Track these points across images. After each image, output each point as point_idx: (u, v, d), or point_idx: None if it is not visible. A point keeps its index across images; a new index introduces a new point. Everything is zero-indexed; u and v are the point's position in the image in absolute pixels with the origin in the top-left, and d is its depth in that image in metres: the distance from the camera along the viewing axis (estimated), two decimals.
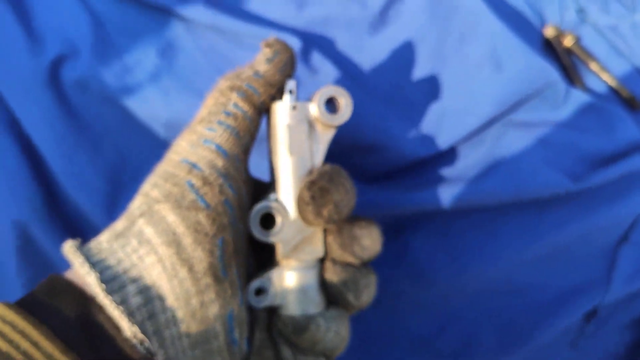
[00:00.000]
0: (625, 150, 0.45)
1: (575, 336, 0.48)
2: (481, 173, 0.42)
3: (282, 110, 0.29)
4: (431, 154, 0.42)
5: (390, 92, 0.43)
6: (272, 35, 0.41)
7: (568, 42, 0.46)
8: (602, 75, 0.47)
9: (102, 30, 0.42)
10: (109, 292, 0.23)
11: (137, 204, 0.27)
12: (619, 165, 0.43)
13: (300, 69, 0.41)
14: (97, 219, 0.41)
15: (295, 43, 0.41)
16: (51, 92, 0.40)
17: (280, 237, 0.29)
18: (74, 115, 0.41)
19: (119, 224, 0.26)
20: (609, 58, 0.48)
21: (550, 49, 0.47)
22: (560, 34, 0.47)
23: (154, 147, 0.41)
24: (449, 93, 0.42)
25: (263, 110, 0.30)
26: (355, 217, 0.31)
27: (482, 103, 0.42)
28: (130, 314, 0.24)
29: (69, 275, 0.25)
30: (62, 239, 0.41)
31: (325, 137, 0.30)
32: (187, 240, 0.25)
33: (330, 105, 0.30)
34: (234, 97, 0.29)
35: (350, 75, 0.41)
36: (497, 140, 0.43)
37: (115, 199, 0.41)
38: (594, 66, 0.47)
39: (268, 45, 0.31)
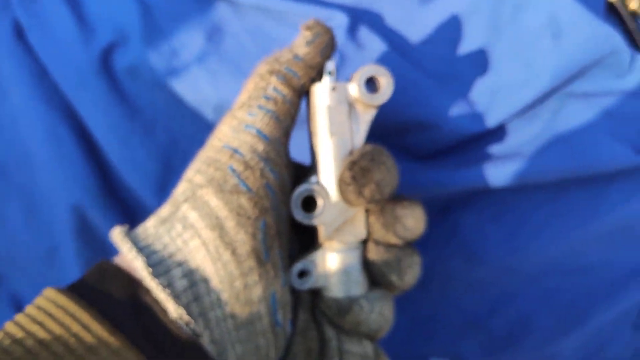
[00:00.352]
0: None
1: (637, 318, 0.46)
2: (539, 149, 0.40)
3: (321, 92, 0.29)
4: (484, 130, 0.40)
5: (441, 67, 0.41)
6: (318, 12, 0.40)
7: (634, 4, 0.43)
8: None
9: (150, 17, 0.42)
10: (156, 275, 0.24)
11: (181, 189, 0.27)
12: None
13: (347, 45, 0.40)
14: (150, 201, 0.42)
15: (342, 19, 0.40)
16: (104, 80, 0.41)
17: (322, 220, 0.29)
18: (126, 102, 0.42)
19: (164, 210, 0.27)
20: None
21: (614, 13, 0.44)
22: None
23: (204, 130, 0.41)
24: (504, 66, 0.40)
25: (303, 93, 0.30)
26: (399, 196, 0.31)
27: (540, 75, 0.40)
28: (176, 297, 0.24)
29: (118, 260, 0.26)
30: (118, 221, 0.43)
31: (366, 117, 0.30)
32: (230, 223, 0.26)
33: (371, 84, 0.30)
34: (274, 80, 0.29)
35: (399, 50, 0.40)
36: (556, 113, 0.41)
37: (167, 181, 0.42)
38: None
39: (308, 27, 0.31)
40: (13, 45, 0.43)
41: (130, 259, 0.25)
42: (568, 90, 0.41)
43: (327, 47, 0.30)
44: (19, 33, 0.44)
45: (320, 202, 0.29)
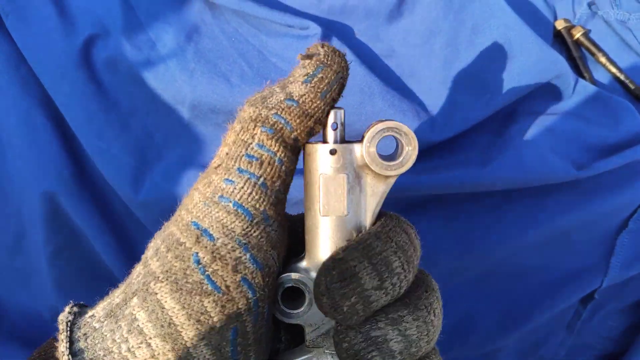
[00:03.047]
0: (629, 141, 0.46)
1: (572, 319, 0.51)
2: (489, 159, 0.44)
3: (317, 155, 0.23)
4: (441, 139, 0.44)
5: (404, 80, 0.44)
6: (294, 21, 0.43)
7: (577, 34, 0.48)
8: (610, 68, 0.48)
9: (131, 12, 0.44)
10: None
11: (137, 271, 0.23)
12: (623, 155, 0.45)
13: None
14: (123, 191, 0.43)
15: (316, 29, 0.42)
16: (83, 72, 0.42)
17: (306, 320, 0.24)
18: (104, 94, 0.43)
19: (118, 294, 0.23)
20: (617, 51, 0.49)
21: (561, 42, 0.49)
22: (570, 27, 0.48)
23: (178, 126, 0.43)
24: (460, 82, 0.44)
25: (299, 148, 0.24)
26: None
27: (493, 93, 0.43)
28: None
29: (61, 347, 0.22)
30: (90, 209, 0.44)
31: (377, 188, 0.23)
32: (188, 333, 0.21)
33: (386, 144, 0.24)
34: (259, 133, 0.22)
35: (366, 62, 0.43)
36: (505, 128, 0.45)
37: (141, 173, 0.44)
38: (602, 59, 0.48)
39: (308, 55, 0.23)
40: None
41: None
42: (517, 108, 0.45)
43: (333, 87, 0.23)
44: None
45: (306, 297, 0.24)
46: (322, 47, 0.23)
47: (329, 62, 0.23)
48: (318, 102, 0.22)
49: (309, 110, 0.22)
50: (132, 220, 0.45)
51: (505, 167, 0.43)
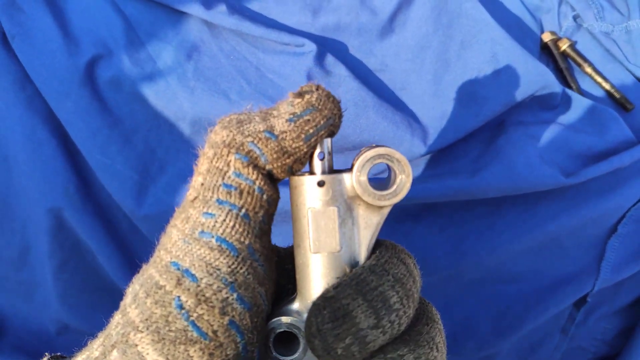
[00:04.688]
0: (615, 148, 0.48)
1: (566, 323, 0.52)
2: (479, 168, 0.45)
3: (304, 188, 0.21)
4: (433, 150, 0.45)
5: (396, 93, 0.46)
6: (289, 39, 0.44)
7: (564, 46, 0.50)
8: (595, 78, 0.50)
9: (133, 33, 0.45)
10: None
11: (115, 320, 0.21)
12: (609, 161, 0.46)
13: (315, 70, 0.44)
14: (126, 205, 0.45)
15: (311, 46, 0.44)
16: (87, 90, 0.44)
17: None
18: (107, 111, 0.44)
19: (96, 346, 0.21)
20: (603, 62, 0.51)
21: (548, 53, 0.50)
22: (557, 39, 0.50)
23: (180, 141, 0.45)
24: (451, 95, 0.45)
25: (278, 179, 0.22)
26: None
27: (482, 104, 0.45)
28: None
29: None
30: (94, 223, 0.45)
31: (371, 220, 0.22)
32: None
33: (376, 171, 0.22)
34: (233, 160, 0.20)
35: (360, 77, 0.45)
36: (495, 138, 0.46)
37: (143, 188, 0.45)
38: (588, 70, 0.50)
39: (300, 93, 0.21)
40: None
41: None
42: (506, 119, 0.47)
43: (320, 132, 0.21)
44: (4, 39, 0.46)
45: (300, 342, 0.22)
46: (317, 89, 0.21)
47: (320, 106, 0.21)
48: (300, 143, 0.21)
49: (289, 149, 0.21)
50: (135, 234, 0.46)
51: (495, 175, 0.45)
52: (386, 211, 0.22)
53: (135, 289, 0.21)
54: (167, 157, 0.45)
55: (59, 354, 0.23)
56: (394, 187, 0.21)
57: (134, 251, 0.47)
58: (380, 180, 0.23)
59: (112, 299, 0.48)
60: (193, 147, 0.45)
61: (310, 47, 0.44)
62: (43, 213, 0.45)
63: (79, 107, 0.44)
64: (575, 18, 0.51)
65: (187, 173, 0.45)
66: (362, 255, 0.22)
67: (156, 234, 0.44)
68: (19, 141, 0.45)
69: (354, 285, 0.20)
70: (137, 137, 0.45)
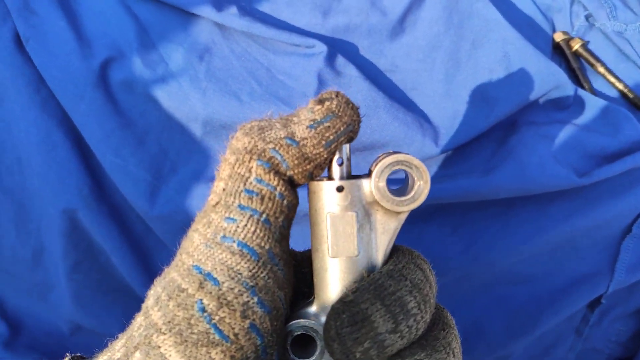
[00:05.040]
0: (629, 149, 0.47)
1: (580, 324, 0.51)
2: (492, 168, 0.45)
3: (322, 192, 0.22)
4: (445, 150, 0.45)
5: (407, 94, 0.46)
6: (300, 41, 0.44)
7: (576, 45, 0.49)
8: (608, 78, 0.49)
9: (145, 35, 0.46)
10: None
11: (138, 321, 0.21)
12: (623, 161, 0.46)
13: (326, 71, 0.45)
14: (139, 205, 0.45)
15: (322, 47, 0.44)
16: (100, 92, 0.44)
17: None
18: (120, 113, 0.45)
19: (119, 347, 0.21)
20: (616, 62, 0.50)
21: (560, 53, 0.50)
22: (569, 39, 0.50)
23: (192, 142, 0.45)
24: (462, 95, 0.45)
25: (298, 184, 0.23)
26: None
27: (494, 104, 0.45)
28: None
29: None
30: (108, 224, 0.46)
31: (389, 225, 0.22)
32: None
33: (395, 177, 0.23)
34: (255, 167, 0.21)
35: (370, 78, 0.45)
36: (507, 138, 0.46)
37: (156, 188, 0.45)
38: (601, 69, 0.49)
39: (320, 100, 0.22)
40: (12, 53, 0.46)
41: None
42: (518, 119, 0.46)
43: (340, 138, 0.21)
44: (19, 42, 0.46)
45: (317, 345, 0.22)
46: (337, 95, 0.22)
47: (340, 113, 0.21)
48: (320, 149, 0.21)
49: (309, 155, 0.21)
50: (148, 234, 0.47)
51: (508, 175, 0.45)
52: (404, 217, 0.22)
53: (157, 291, 0.21)
54: (179, 158, 0.45)
55: (79, 354, 0.23)
56: (412, 193, 0.22)
57: (147, 252, 0.47)
58: (398, 186, 0.23)
59: (125, 300, 0.49)
60: (205, 148, 0.45)
61: (321, 48, 0.44)
62: (57, 214, 0.46)
63: (92, 109, 0.44)
64: (587, 17, 0.51)
65: (199, 174, 0.45)
66: (380, 260, 0.22)
67: (169, 234, 0.45)
68: (33, 143, 0.46)
69: (373, 290, 0.20)
70: (149, 138, 0.45)
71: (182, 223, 0.26)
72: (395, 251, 0.23)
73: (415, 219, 0.47)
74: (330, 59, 0.44)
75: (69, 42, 0.46)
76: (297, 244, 0.27)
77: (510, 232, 0.46)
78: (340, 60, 0.45)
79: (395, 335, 0.20)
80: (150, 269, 0.46)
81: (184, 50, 0.46)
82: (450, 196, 0.45)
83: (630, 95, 0.49)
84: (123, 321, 0.23)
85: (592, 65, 0.50)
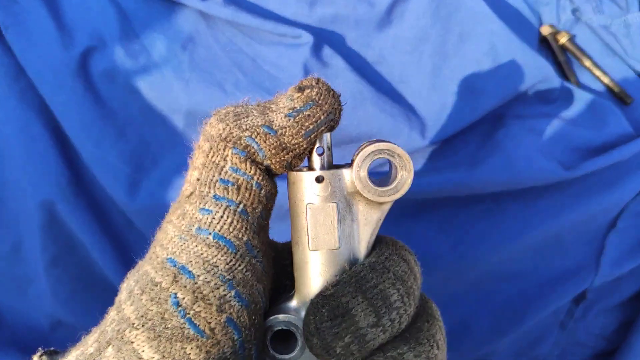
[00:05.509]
0: (614, 142, 0.47)
1: (564, 318, 0.51)
2: (478, 161, 0.45)
3: (302, 183, 0.21)
4: (431, 143, 0.45)
5: (394, 86, 0.46)
6: (286, 31, 0.44)
7: (563, 39, 0.49)
8: (595, 72, 0.49)
9: (127, 24, 0.45)
10: None
11: (110, 316, 0.20)
12: (609, 155, 0.46)
13: (312, 62, 0.44)
14: (119, 198, 0.44)
15: (308, 38, 0.44)
16: (81, 82, 0.43)
17: None
18: (101, 104, 0.44)
19: (91, 342, 0.20)
20: (602, 56, 0.50)
21: (547, 46, 0.50)
22: (555, 32, 0.50)
23: (173, 134, 0.44)
24: (449, 88, 0.45)
25: (274, 173, 0.22)
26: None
27: (480, 97, 0.45)
28: None
29: None
30: (87, 217, 0.45)
31: (371, 217, 0.21)
32: None
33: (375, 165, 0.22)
34: (230, 155, 0.20)
35: (357, 69, 0.44)
36: (493, 131, 0.46)
37: (137, 181, 0.44)
38: (587, 63, 0.49)
39: (300, 88, 0.21)
40: None
41: None
42: (504, 112, 0.46)
43: (320, 127, 0.20)
44: None
45: (297, 340, 0.22)
46: (317, 83, 0.21)
47: (320, 101, 0.20)
48: (300, 139, 0.20)
49: (288, 145, 0.20)
50: (128, 227, 0.46)
51: (494, 169, 0.44)
52: (387, 207, 0.21)
53: (130, 285, 0.20)
54: (160, 150, 0.44)
55: (52, 348, 0.23)
56: (395, 183, 0.21)
57: (128, 245, 0.46)
58: (380, 176, 0.22)
59: (105, 294, 0.48)
60: (187, 141, 0.44)
61: (307, 38, 0.44)
62: (35, 206, 0.45)
63: (73, 99, 0.43)
64: (574, 11, 0.51)
65: (180, 166, 0.44)
66: (362, 252, 0.21)
67: (150, 228, 0.43)
68: (11, 133, 0.45)
69: (354, 283, 0.20)
70: (130, 130, 0.44)
71: (163, 216, 0.25)
72: (378, 242, 0.22)
73: (403, 216, 0.47)
74: (316, 50, 0.44)
75: (49, 30, 0.45)
76: (283, 238, 0.26)
77: (498, 229, 0.46)
78: (327, 51, 0.44)
79: (377, 329, 0.19)
80: (131, 264, 0.45)
81: (167, 39, 0.45)
82: (437, 190, 0.44)
83: (616, 89, 0.49)
84: (104, 316, 0.22)
85: (578, 58, 0.50)
